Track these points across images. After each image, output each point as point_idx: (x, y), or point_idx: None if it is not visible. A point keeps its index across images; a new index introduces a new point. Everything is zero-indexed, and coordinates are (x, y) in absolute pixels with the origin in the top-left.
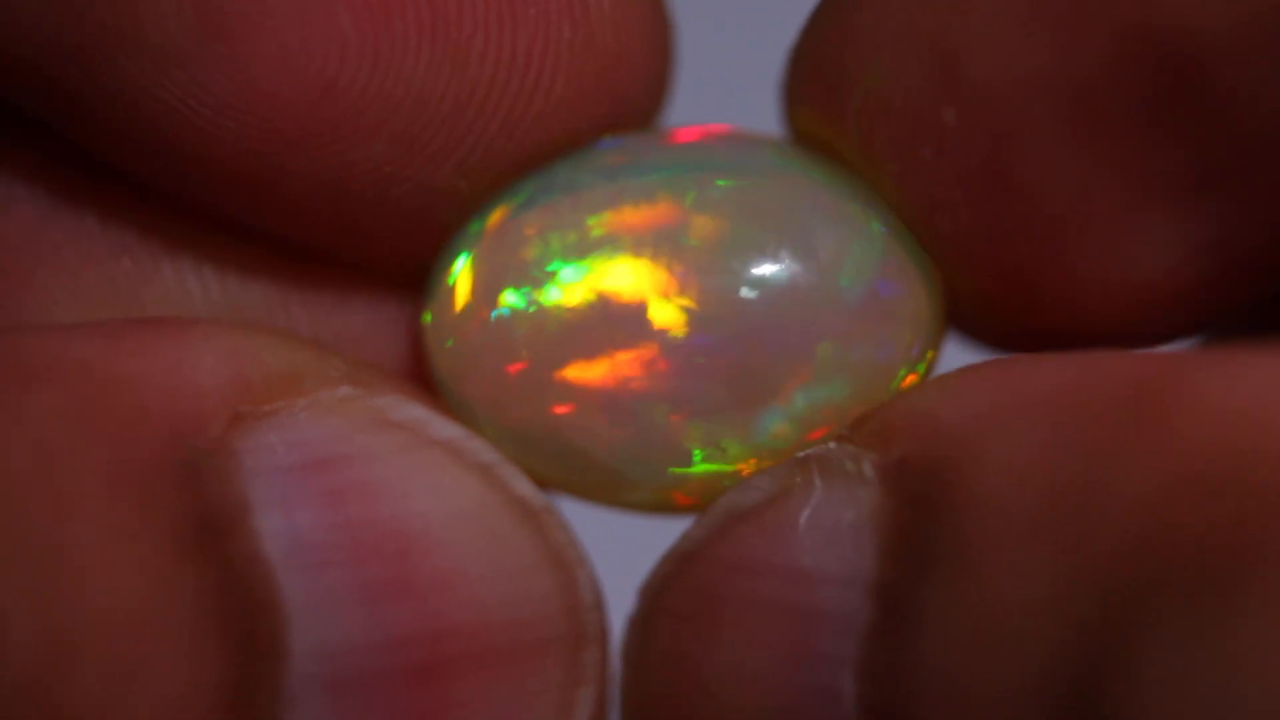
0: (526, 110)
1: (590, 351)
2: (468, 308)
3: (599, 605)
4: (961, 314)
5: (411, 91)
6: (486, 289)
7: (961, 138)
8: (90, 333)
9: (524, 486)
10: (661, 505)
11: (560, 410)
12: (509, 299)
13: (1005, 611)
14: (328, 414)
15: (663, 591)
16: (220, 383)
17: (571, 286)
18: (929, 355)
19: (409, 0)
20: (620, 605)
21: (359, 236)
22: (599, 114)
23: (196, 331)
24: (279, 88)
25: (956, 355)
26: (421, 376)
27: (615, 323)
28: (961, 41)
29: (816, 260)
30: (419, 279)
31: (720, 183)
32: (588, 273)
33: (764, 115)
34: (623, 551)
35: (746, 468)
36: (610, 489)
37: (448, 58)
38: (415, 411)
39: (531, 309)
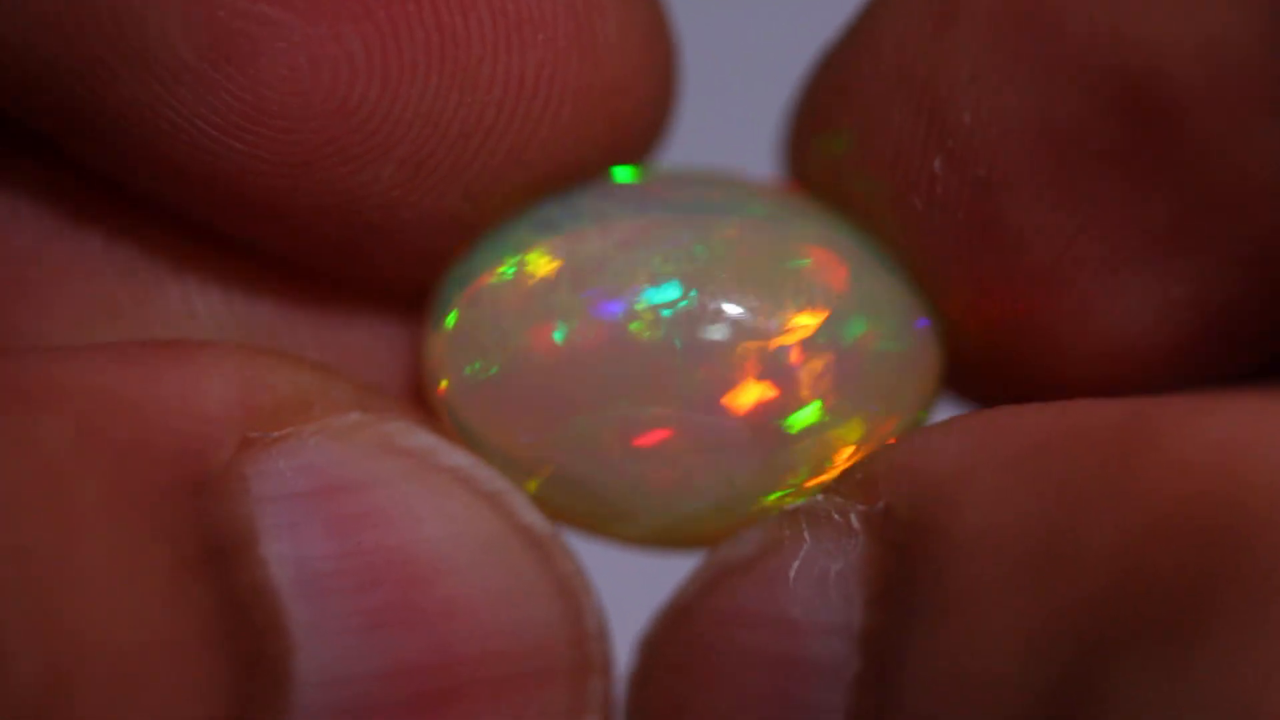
0: (533, 135)
1: (602, 384)
2: (473, 335)
3: (604, 634)
4: (955, 368)
5: (419, 115)
6: (495, 316)
7: (949, 188)
8: (98, 356)
9: (531, 515)
10: (665, 541)
11: (569, 441)
12: (518, 328)
13: (984, 660)
14: (336, 440)
15: (659, 645)
16: (229, 407)
17: (581, 316)
18: (926, 405)
19: (418, 24)
20: (625, 634)
21: (364, 257)
22: (604, 140)
23: (205, 355)
24: (287, 109)
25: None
26: (425, 397)
27: (629, 358)
28: (947, 91)
29: (826, 309)
30: (423, 299)
31: (735, 228)
32: (599, 304)
33: (766, 140)
34: (628, 580)
35: (755, 507)
36: (615, 523)
37: (456, 82)
38: (423, 438)
39: (541, 340)
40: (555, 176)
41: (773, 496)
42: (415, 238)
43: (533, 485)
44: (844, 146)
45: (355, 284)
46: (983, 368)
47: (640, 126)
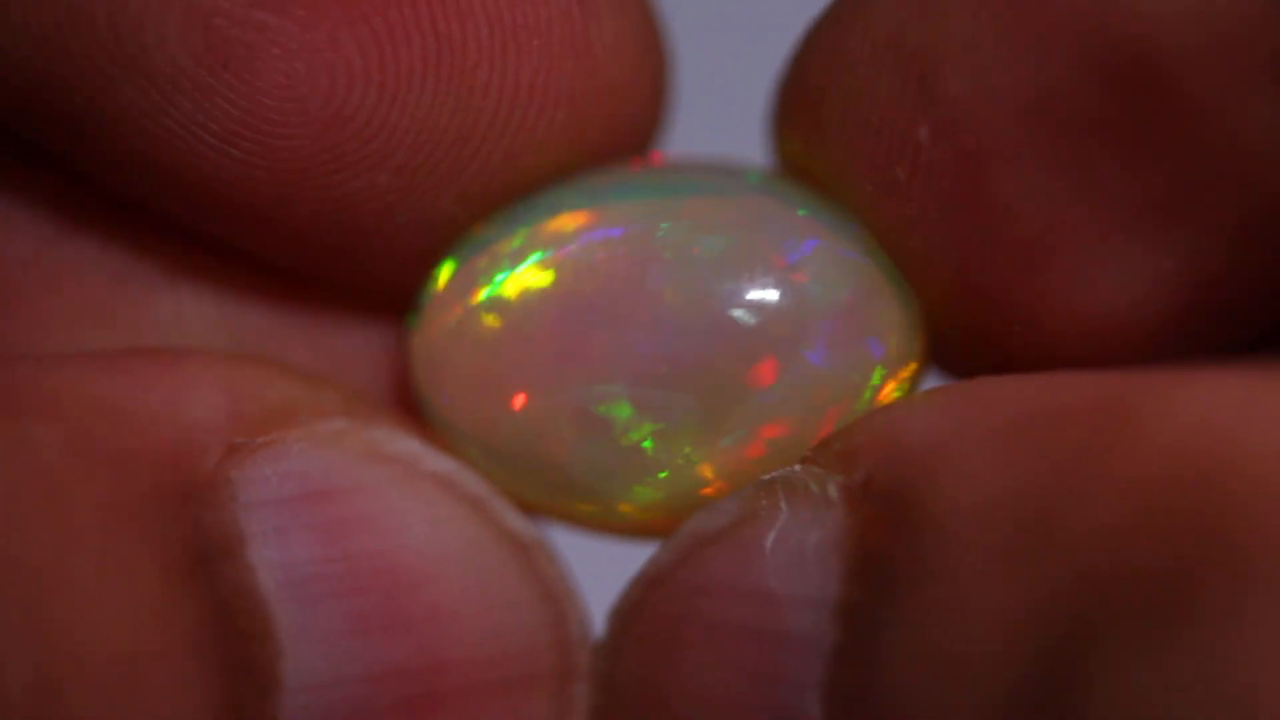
0: (528, 140)
1: (560, 362)
2: (442, 323)
3: (588, 639)
4: (939, 343)
5: (415, 121)
6: (461, 304)
7: (935, 157)
8: (88, 364)
9: (515, 521)
10: (633, 521)
11: (529, 421)
12: (479, 311)
13: (963, 636)
14: (322, 446)
15: (631, 616)
16: (216, 415)
17: (543, 296)
18: (905, 376)
19: (414, 30)
20: None
21: (359, 261)
22: (599, 143)
23: (193, 363)
24: (284, 117)
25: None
26: (412, 402)
27: (586, 333)
28: (937, 60)
29: (788, 274)
30: (415, 304)
31: (699, 200)
32: (557, 281)
33: (759, 143)
34: (614, 585)
35: (715, 479)
36: (581, 505)
37: (452, 88)
38: (408, 445)
39: (502, 321)
40: (549, 180)
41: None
42: (410, 242)
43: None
44: (830, 119)
45: (349, 288)
46: (968, 342)
47: (635, 130)
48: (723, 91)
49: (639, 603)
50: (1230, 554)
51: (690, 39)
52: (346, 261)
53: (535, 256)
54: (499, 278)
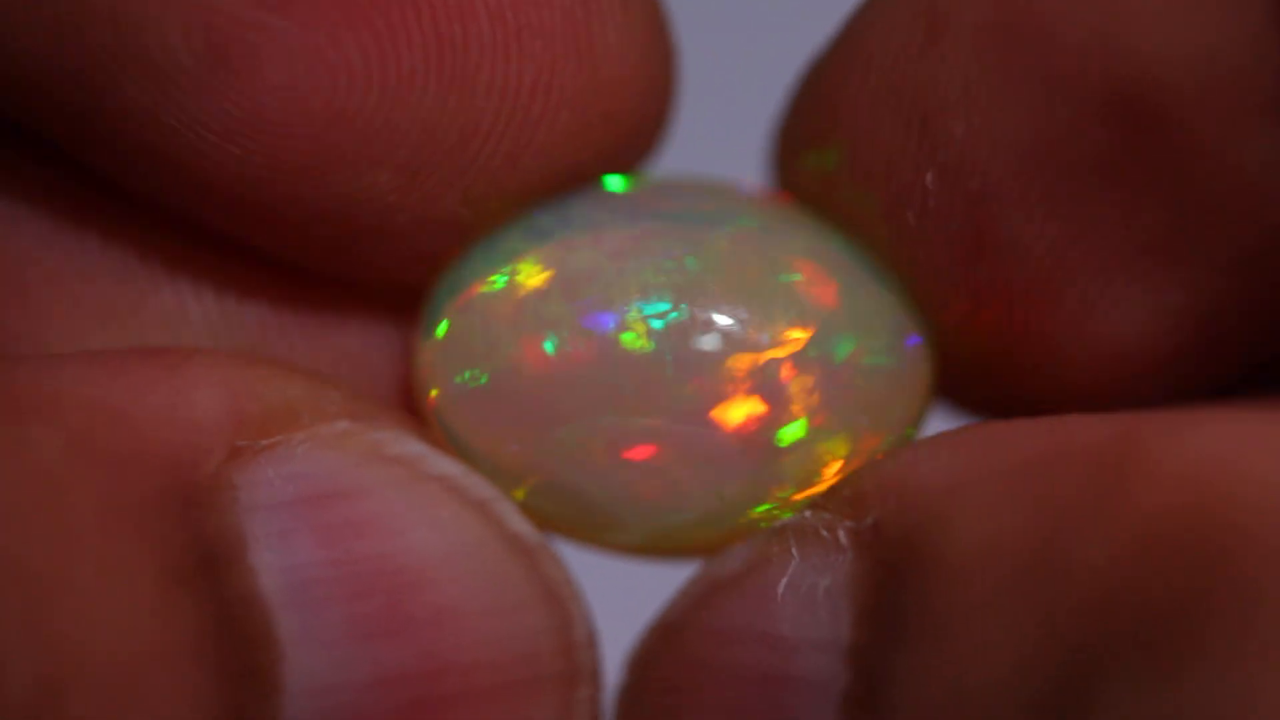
0: (530, 140)
1: (591, 395)
2: (463, 344)
3: (593, 643)
4: (948, 379)
5: (417, 121)
6: (485, 325)
7: (942, 201)
8: (89, 365)
9: (520, 523)
10: (654, 550)
11: (558, 451)
12: (509, 338)
13: (974, 676)
14: (325, 448)
15: (648, 663)
16: (218, 416)
17: (572, 327)
18: (915, 419)
19: (415, 30)
20: (615, 641)
21: (361, 261)
22: (601, 144)
23: (195, 364)
24: (285, 115)
25: (936, 421)
26: (416, 403)
27: (619, 369)
28: (939, 104)
29: (818, 322)
30: (419, 303)
31: (727, 239)
32: (590, 314)
33: (764, 145)
34: (618, 588)
35: (743, 519)
36: (603, 532)
37: (453, 88)
38: (412, 446)
39: (532, 350)
40: (552, 181)
41: (761, 509)
42: (412, 242)
43: (521, 494)
44: (833, 161)
45: (351, 287)
46: (977, 378)
47: (638, 131)
48: (729, 92)
49: (655, 650)
50: (1236, 585)
51: (696, 39)
52: (349, 261)
53: (562, 296)
54: (506, 346)
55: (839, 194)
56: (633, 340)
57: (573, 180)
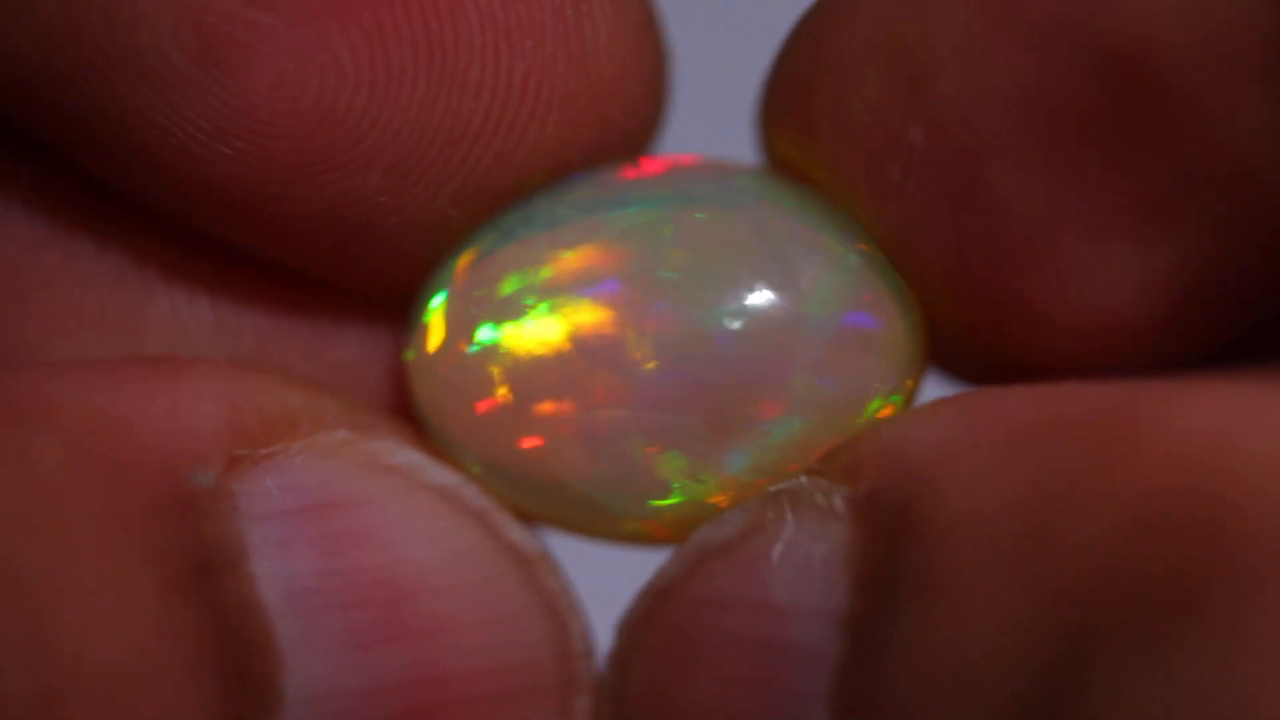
0: (521, 141)
1: (566, 385)
2: (444, 344)
3: (590, 653)
4: (937, 344)
5: (407, 121)
6: (461, 325)
7: (929, 157)
8: (88, 373)
9: (517, 533)
10: (643, 537)
11: (538, 444)
12: (484, 335)
13: (969, 646)
14: (323, 458)
15: (639, 628)
16: (217, 425)
17: (547, 321)
18: (908, 386)
19: (405, 30)
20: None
21: (352, 262)
22: (593, 144)
23: (193, 373)
24: (275, 115)
25: (933, 388)
26: (411, 409)
27: (591, 356)
28: (929, 59)
29: (791, 292)
30: (411, 304)
31: (699, 215)
32: (563, 307)
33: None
34: (617, 597)
35: (725, 499)
36: (591, 521)
37: (444, 88)
38: (410, 456)
39: (506, 344)
40: (543, 179)
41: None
42: (403, 242)
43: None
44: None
45: (344, 289)
46: (964, 342)
47: (630, 130)
48: (720, 91)
49: (647, 615)
50: (1232, 561)
51: (689, 38)
52: (340, 261)
53: (532, 303)
54: (498, 328)
55: (822, 151)
56: (602, 326)
57: (564, 179)
